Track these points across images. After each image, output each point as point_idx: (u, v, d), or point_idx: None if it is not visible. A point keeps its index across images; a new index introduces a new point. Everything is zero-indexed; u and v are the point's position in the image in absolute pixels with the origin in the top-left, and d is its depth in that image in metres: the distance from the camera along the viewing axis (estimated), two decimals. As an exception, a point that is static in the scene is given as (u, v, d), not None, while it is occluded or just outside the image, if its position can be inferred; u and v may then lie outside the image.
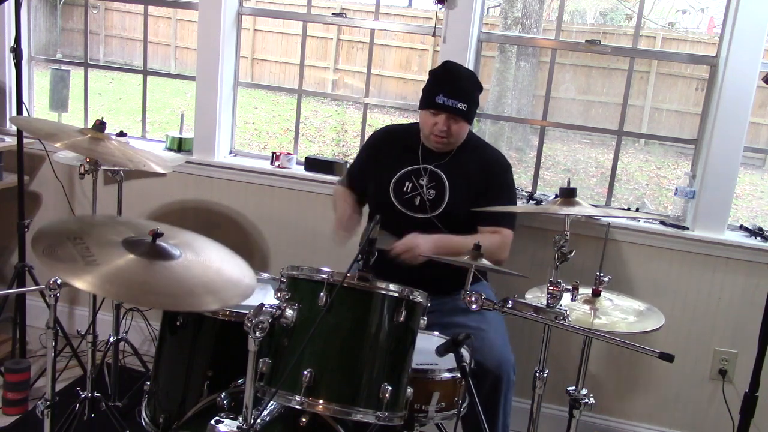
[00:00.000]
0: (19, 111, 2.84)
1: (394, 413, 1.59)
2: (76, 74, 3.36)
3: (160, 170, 2.11)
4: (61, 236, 1.61)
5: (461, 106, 2.26)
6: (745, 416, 1.93)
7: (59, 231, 1.65)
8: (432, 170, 2.36)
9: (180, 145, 3.14)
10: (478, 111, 2.96)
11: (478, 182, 2.35)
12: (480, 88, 2.37)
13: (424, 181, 2.36)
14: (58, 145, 1.99)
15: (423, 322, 1.68)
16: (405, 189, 2.36)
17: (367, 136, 3.07)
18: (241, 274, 1.66)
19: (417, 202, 2.35)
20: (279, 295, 1.59)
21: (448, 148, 2.36)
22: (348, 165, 2.64)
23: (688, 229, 2.70)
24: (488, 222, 2.33)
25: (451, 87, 2.28)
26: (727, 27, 2.60)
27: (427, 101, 2.31)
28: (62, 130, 2.10)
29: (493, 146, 2.50)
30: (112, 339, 2.69)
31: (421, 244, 2.16)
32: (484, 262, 1.81)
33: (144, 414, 1.94)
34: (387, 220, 2.26)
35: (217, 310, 1.83)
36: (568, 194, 1.87)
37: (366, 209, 2.54)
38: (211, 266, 1.66)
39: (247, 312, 1.43)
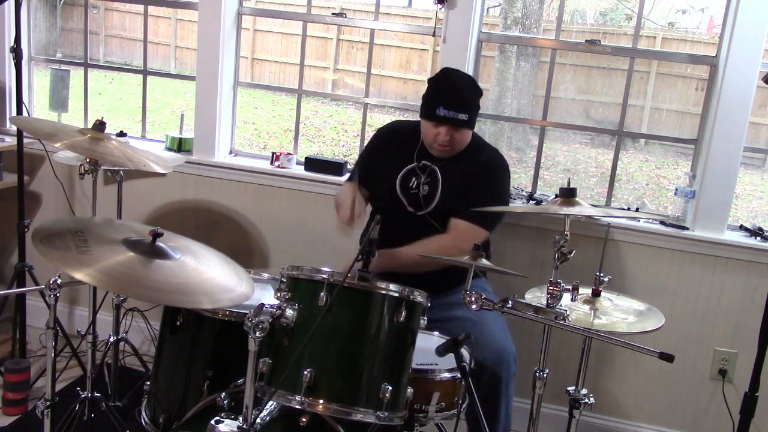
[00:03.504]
0: (19, 111, 2.84)
1: (394, 413, 1.59)
2: (76, 74, 3.36)
3: (160, 170, 2.11)
4: (63, 230, 1.62)
5: (462, 116, 2.24)
6: (745, 416, 1.93)
7: (62, 225, 1.67)
8: (431, 168, 2.38)
9: (180, 145, 3.14)
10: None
11: (469, 182, 2.36)
12: (480, 93, 2.36)
13: (421, 179, 2.37)
14: (58, 145, 1.98)
15: (423, 322, 1.68)
16: (411, 185, 2.38)
17: (367, 136, 3.08)
18: (238, 280, 1.67)
19: (415, 198, 2.37)
20: (279, 295, 1.59)
21: (451, 155, 2.37)
22: (355, 163, 2.66)
23: (688, 229, 2.70)
24: (460, 215, 2.30)
25: (452, 98, 2.25)
26: (727, 27, 2.60)
27: (428, 112, 2.29)
28: (62, 130, 2.10)
29: (494, 147, 2.50)
30: (112, 339, 2.69)
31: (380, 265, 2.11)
32: (484, 262, 1.81)
33: (144, 414, 1.94)
34: (390, 217, 2.27)
35: (213, 309, 1.84)
36: (568, 194, 1.87)
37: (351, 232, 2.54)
38: (210, 270, 1.67)
39: (247, 312, 1.43)
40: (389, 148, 2.49)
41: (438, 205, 2.34)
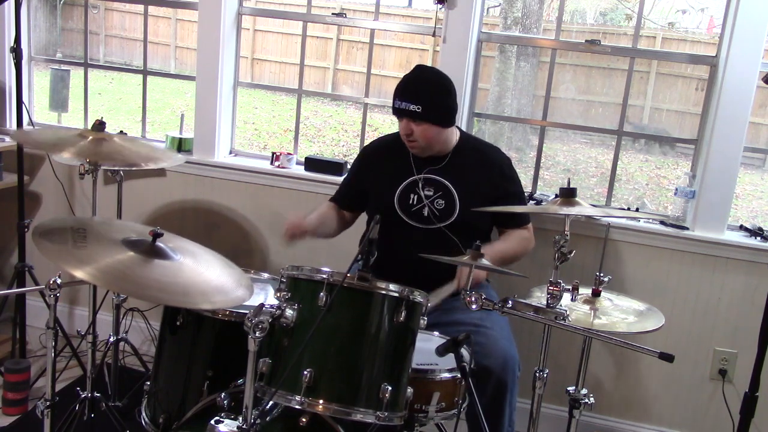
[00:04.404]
0: (19, 111, 2.84)
1: (394, 413, 1.58)
2: (76, 74, 3.36)
3: (166, 165, 2.07)
4: (63, 228, 1.63)
5: (414, 107, 2.22)
6: (745, 416, 1.93)
7: (62, 224, 1.67)
8: (434, 179, 2.34)
9: (180, 145, 3.14)
10: (478, 111, 2.98)
11: (487, 188, 2.34)
12: (446, 91, 2.29)
13: (430, 192, 2.33)
14: (64, 154, 1.97)
15: (423, 322, 1.68)
16: (411, 201, 2.34)
17: (367, 136, 3.08)
18: (237, 282, 1.67)
19: (425, 213, 2.32)
20: (279, 295, 1.59)
21: (425, 153, 2.34)
22: (341, 184, 2.63)
23: (688, 229, 2.70)
24: (514, 224, 2.43)
25: (405, 90, 2.27)
26: (727, 27, 2.60)
27: (392, 107, 2.32)
28: (64, 138, 2.09)
29: (488, 142, 2.50)
30: (112, 339, 2.69)
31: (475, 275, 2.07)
32: (484, 262, 1.81)
33: (144, 414, 1.94)
34: (395, 232, 2.27)
35: (213, 309, 1.84)
36: (568, 194, 1.87)
37: (351, 233, 2.56)
38: (209, 271, 1.67)
39: (247, 312, 1.43)
40: (380, 164, 2.46)
41: (459, 217, 2.30)
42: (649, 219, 2.80)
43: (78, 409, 2.23)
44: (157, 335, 2.13)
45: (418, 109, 2.23)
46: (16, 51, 2.73)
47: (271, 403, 1.60)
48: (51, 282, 1.78)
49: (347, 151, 6.48)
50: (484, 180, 2.35)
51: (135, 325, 3.01)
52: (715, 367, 2.76)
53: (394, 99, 2.28)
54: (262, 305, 1.44)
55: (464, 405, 1.84)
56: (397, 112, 2.28)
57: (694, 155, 2.79)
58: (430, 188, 2.34)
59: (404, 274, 2.00)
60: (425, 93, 2.26)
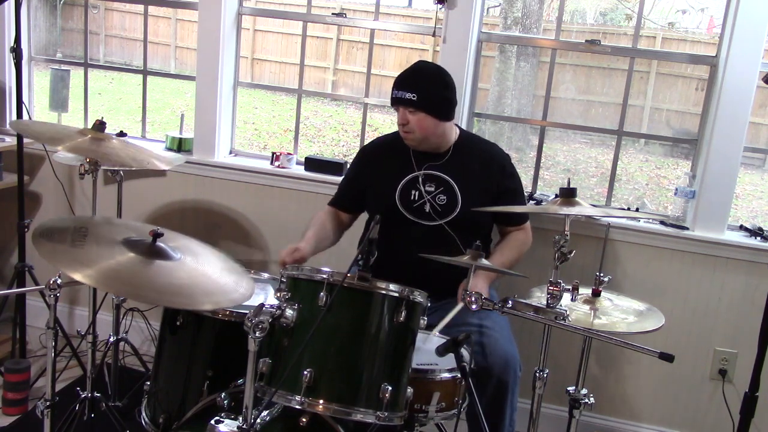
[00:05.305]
0: (19, 111, 2.83)
1: (394, 413, 1.58)
2: (76, 74, 3.36)
3: (163, 167, 2.11)
4: (64, 227, 1.62)
5: (410, 95, 2.24)
6: (745, 416, 1.93)
7: (63, 223, 1.67)
8: (435, 175, 2.34)
9: (180, 145, 3.14)
10: (478, 111, 2.98)
11: (488, 184, 2.35)
12: (443, 83, 2.31)
13: (430, 187, 2.32)
14: (60, 148, 1.98)
15: (423, 322, 1.68)
16: (412, 198, 2.33)
17: (367, 136, 3.08)
18: (238, 281, 1.66)
19: (426, 209, 2.32)
20: (279, 295, 1.59)
21: (421, 147, 2.34)
22: (339, 185, 2.61)
23: (688, 229, 2.70)
24: (514, 222, 2.45)
25: (402, 80, 2.29)
26: (727, 27, 2.60)
27: (390, 99, 2.33)
28: (63, 133, 2.10)
29: (488, 140, 2.51)
30: (112, 339, 2.69)
31: (479, 289, 2.11)
32: (484, 262, 1.81)
33: (144, 414, 1.95)
34: (396, 230, 2.27)
35: (213, 310, 1.84)
36: (568, 194, 1.87)
37: (351, 233, 2.56)
38: (210, 271, 1.67)
39: (247, 312, 1.43)
40: (381, 162, 2.46)
41: (460, 213, 2.30)
42: (649, 219, 2.80)
43: (78, 409, 2.23)
44: (157, 335, 2.13)
45: (414, 97, 2.24)
46: (16, 51, 2.73)
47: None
48: (51, 282, 1.78)
49: (347, 151, 6.48)
50: (486, 176, 2.35)
51: (135, 325, 3.01)
52: (715, 367, 2.76)
53: (392, 91, 2.30)
54: (262, 305, 1.44)
55: (464, 405, 1.84)
56: (394, 101, 2.29)
57: (694, 155, 2.78)
58: (431, 184, 2.33)
59: (404, 273, 2.00)
60: (422, 82, 2.27)
